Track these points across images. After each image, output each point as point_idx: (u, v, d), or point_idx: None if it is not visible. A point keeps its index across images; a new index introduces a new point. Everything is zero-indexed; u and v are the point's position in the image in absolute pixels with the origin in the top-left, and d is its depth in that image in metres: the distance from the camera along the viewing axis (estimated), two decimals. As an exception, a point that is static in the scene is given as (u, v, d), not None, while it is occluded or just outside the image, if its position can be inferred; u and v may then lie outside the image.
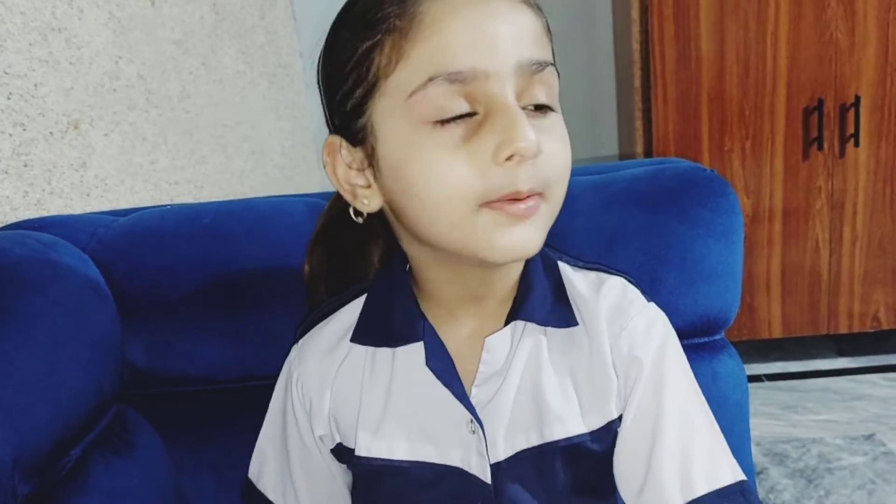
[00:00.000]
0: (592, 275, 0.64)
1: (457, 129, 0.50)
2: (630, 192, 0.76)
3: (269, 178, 1.77)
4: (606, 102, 2.58)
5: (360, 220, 0.60)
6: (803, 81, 1.90)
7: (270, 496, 0.68)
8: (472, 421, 0.59)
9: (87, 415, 0.70)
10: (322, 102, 0.59)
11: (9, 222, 0.86)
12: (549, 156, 0.52)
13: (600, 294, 0.62)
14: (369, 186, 0.57)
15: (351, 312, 0.65)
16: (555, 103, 0.54)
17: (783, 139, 1.95)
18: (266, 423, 0.69)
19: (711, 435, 0.59)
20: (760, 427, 1.86)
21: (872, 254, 1.99)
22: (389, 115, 0.52)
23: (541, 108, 0.53)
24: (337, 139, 0.57)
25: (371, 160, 0.55)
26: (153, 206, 0.89)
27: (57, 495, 0.66)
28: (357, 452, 0.62)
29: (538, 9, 0.54)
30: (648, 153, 2.07)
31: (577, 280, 0.63)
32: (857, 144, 1.92)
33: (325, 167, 0.59)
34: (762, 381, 2.08)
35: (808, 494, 1.61)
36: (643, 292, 0.63)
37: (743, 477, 0.59)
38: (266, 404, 0.70)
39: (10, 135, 0.88)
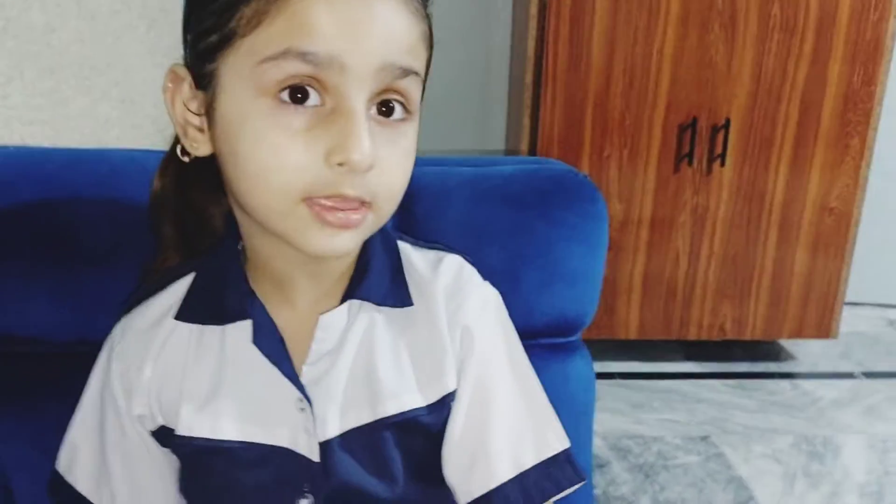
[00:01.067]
0: (431, 254, 0.65)
1: (298, 114, 0.49)
2: (502, 190, 0.76)
3: (138, 131, 1.67)
4: (498, 97, 2.60)
5: (185, 158, 0.58)
6: (681, 99, 1.98)
7: (81, 488, 0.63)
8: (301, 399, 0.57)
9: None
10: (181, 26, 0.57)
11: None
12: (385, 170, 0.51)
13: (438, 272, 0.62)
14: (202, 132, 0.55)
15: (180, 287, 0.62)
16: (411, 113, 0.53)
17: (657, 152, 2.03)
18: (80, 409, 0.64)
19: (540, 405, 0.62)
20: (608, 422, 1.95)
21: (726, 269, 2.12)
22: (237, 75, 0.50)
23: (392, 115, 0.52)
24: (183, 71, 0.55)
25: (209, 110, 0.53)
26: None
27: None
28: (178, 431, 0.59)
29: (423, 16, 0.53)
30: (533, 151, 2.10)
31: (416, 259, 0.64)
32: (723, 164, 2.02)
33: (163, 93, 0.56)
34: (615, 378, 2.18)
35: (644, 489, 1.70)
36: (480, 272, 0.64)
37: (568, 444, 0.62)
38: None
39: None
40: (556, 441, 0.61)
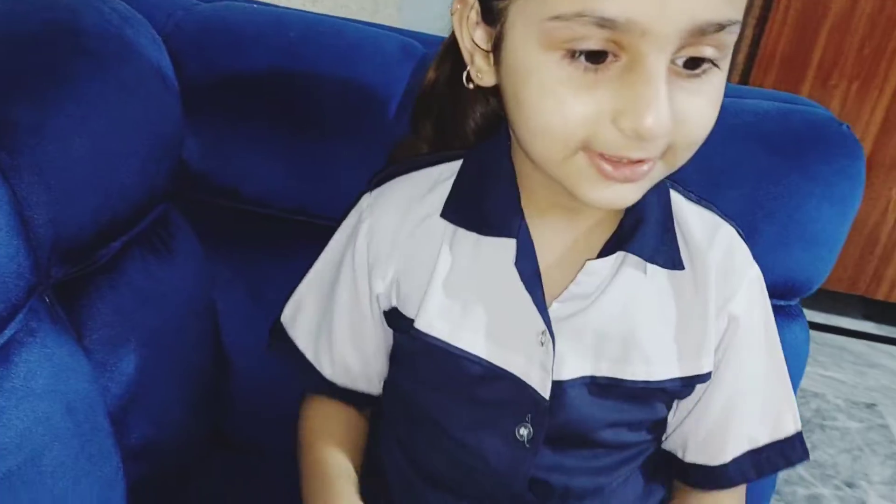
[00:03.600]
0: (707, 214, 0.60)
1: (589, 71, 0.44)
2: (754, 128, 0.69)
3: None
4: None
5: (470, 85, 0.55)
6: (937, 34, 1.73)
7: (300, 344, 0.66)
8: (544, 332, 0.55)
9: (134, 210, 0.68)
10: None
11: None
12: (685, 122, 0.45)
13: (714, 241, 0.58)
14: (488, 64, 0.52)
15: (433, 175, 0.61)
16: (722, 60, 0.46)
17: (893, 91, 1.80)
18: (314, 270, 0.66)
19: (784, 388, 0.62)
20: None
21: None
22: (526, 21, 0.45)
23: (701, 67, 0.45)
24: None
25: (496, 48, 0.49)
26: (239, -3, 0.82)
27: (87, 284, 0.64)
28: (416, 325, 0.58)
29: None
30: (749, 66, 1.92)
31: (690, 217, 0.59)
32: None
33: (451, 14, 0.53)
34: (782, 323, 2.06)
35: (794, 444, 1.63)
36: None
37: (800, 427, 0.62)
38: (314, 242, 0.66)
39: None
40: (791, 423, 0.62)
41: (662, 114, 0.43)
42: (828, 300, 2.13)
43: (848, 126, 0.70)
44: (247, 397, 0.81)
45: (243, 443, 0.84)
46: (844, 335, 2.05)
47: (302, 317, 0.66)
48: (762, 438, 0.61)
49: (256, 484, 0.81)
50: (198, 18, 0.76)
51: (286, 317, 0.67)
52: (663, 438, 0.65)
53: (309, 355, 0.66)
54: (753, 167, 0.68)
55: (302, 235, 0.77)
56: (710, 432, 0.61)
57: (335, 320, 0.64)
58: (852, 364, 1.93)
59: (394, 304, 0.61)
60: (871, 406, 1.77)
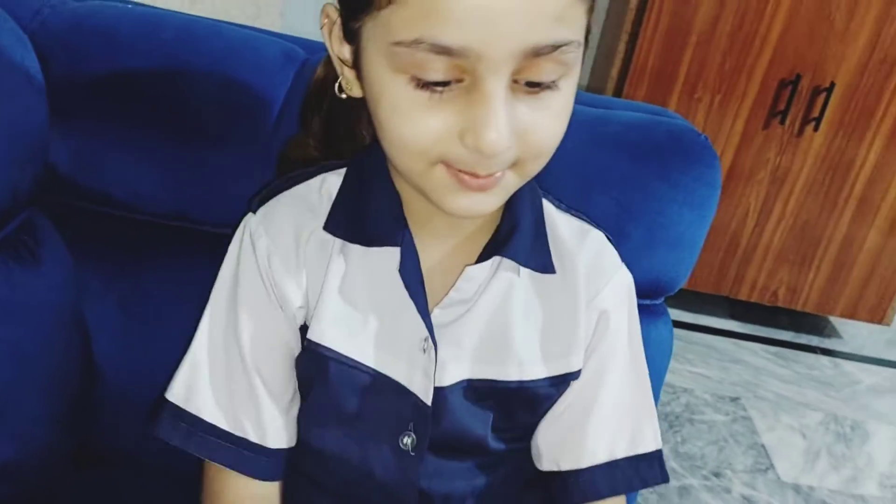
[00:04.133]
0: (576, 222, 0.63)
1: (434, 91, 0.46)
2: (621, 138, 0.73)
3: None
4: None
5: (342, 95, 0.56)
6: (789, 53, 1.87)
7: (207, 416, 0.58)
8: (426, 339, 0.57)
9: (-5, 216, 0.64)
10: None
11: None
12: (532, 132, 0.48)
13: (584, 246, 0.61)
14: (354, 77, 0.53)
15: (314, 189, 0.61)
16: (565, 77, 0.48)
17: (751, 104, 1.93)
18: (205, 324, 0.60)
19: (646, 399, 0.63)
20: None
21: (793, 235, 2.06)
22: (374, 45, 0.47)
23: (542, 84, 0.47)
24: (334, 15, 0.52)
25: (355, 65, 0.51)
26: (108, -3, 0.79)
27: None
28: (309, 336, 0.58)
29: None
30: (622, 80, 2.02)
31: (560, 224, 0.62)
32: (816, 129, 1.93)
33: (321, 28, 0.54)
34: (655, 324, 2.17)
35: (666, 438, 1.72)
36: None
37: (661, 445, 0.62)
38: (191, 249, 0.65)
39: None
40: (651, 440, 0.62)
41: (502, 132, 0.45)
42: (697, 301, 2.27)
43: (706, 137, 0.76)
44: (117, 410, 0.77)
45: (114, 458, 0.81)
46: (711, 334, 2.19)
47: (200, 382, 0.59)
48: (620, 451, 0.61)
49: (129, 500, 0.78)
50: (67, 16, 0.73)
51: (177, 394, 0.59)
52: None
53: (225, 425, 0.58)
54: (620, 174, 0.72)
55: (178, 242, 0.75)
56: (563, 437, 0.61)
57: (256, 363, 0.58)
58: (718, 360, 2.06)
59: (302, 321, 0.60)
60: (735, 399, 1.90)
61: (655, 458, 0.62)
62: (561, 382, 0.61)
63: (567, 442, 0.61)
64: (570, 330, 0.60)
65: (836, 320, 2.32)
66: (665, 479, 0.62)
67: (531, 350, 0.59)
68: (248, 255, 0.59)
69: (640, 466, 0.61)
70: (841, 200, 2.01)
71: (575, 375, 0.61)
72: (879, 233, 2.03)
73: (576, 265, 0.60)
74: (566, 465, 0.62)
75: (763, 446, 1.74)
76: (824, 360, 2.14)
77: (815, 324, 2.30)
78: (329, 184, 0.61)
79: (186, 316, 0.63)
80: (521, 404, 0.60)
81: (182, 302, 0.69)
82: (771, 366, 2.07)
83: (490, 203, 0.51)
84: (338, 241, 0.58)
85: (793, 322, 2.27)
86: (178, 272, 0.74)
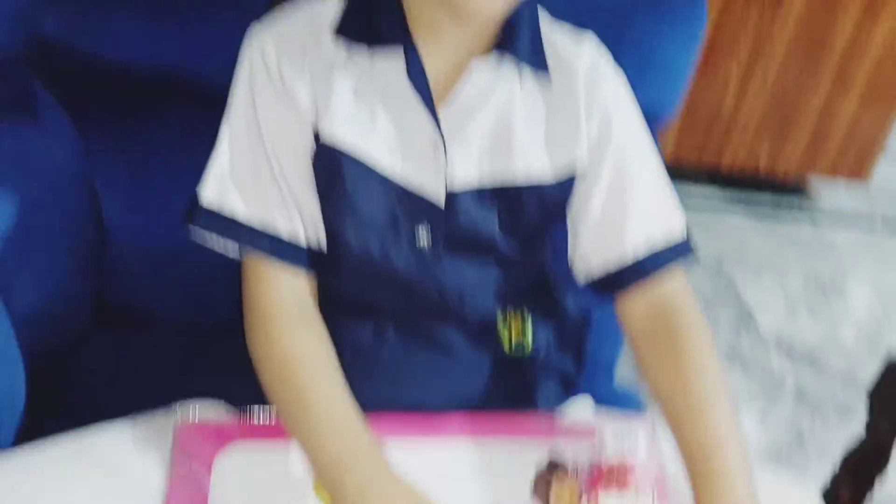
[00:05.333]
0: (568, 27, 0.65)
1: None
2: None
3: None
4: None
5: None
6: None
7: (241, 217, 0.60)
8: (436, 141, 0.59)
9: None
10: None
11: None
12: None
13: (581, 48, 0.63)
14: None
15: (315, 10, 0.61)
16: None
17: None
18: (227, 130, 0.61)
19: (669, 192, 0.66)
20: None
21: (774, 102, 2.06)
22: None
23: None
24: None
25: None
26: None
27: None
28: (322, 140, 0.60)
29: None
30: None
31: (557, 32, 0.64)
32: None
33: None
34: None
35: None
36: None
37: (686, 234, 0.65)
38: (195, 107, 0.65)
39: None
40: (678, 230, 0.65)
41: None
42: (679, 177, 2.27)
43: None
44: (130, 263, 0.79)
45: (129, 313, 0.83)
46: (693, 197, 2.21)
47: (231, 184, 0.60)
48: (658, 242, 0.63)
49: (146, 356, 0.80)
50: None
51: (210, 198, 0.61)
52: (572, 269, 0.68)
53: (255, 223, 0.61)
54: (614, 9, 0.73)
55: (179, 98, 0.76)
56: (607, 233, 0.64)
57: (280, 162, 0.60)
58: (699, 225, 2.08)
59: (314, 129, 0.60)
60: (717, 262, 1.95)
61: (686, 240, 0.65)
62: (568, 184, 0.64)
63: (609, 244, 0.64)
64: (573, 126, 0.62)
65: (815, 189, 2.34)
66: (695, 252, 0.65)
67: (536, 149, 0.62)
68: (257, 62, 0.60)
69: (677, 249, 0.64)
70: (821, 65, 2.01)
71: (579, 174, 0.63)
72: (858, 94, 2.03)
73: (575, 67, 0.62)
74: (613, 266, 0.64)
75: (746, 304, 1.80)
76: (804, 223, 2.19)
77: (795, 191, 2.33)
78: (327, 7, 0.61)
79: (192, 171, 0.63)
80: (529, 203, 0.63)
81: (187, 157, 0.68)
82: (753, 229, 2.12)
83: (505, 3, 0.54)
84: (342, 54, 0.60)
85: (774, 191, 2.31)
86: (180, 128, 0.75)
